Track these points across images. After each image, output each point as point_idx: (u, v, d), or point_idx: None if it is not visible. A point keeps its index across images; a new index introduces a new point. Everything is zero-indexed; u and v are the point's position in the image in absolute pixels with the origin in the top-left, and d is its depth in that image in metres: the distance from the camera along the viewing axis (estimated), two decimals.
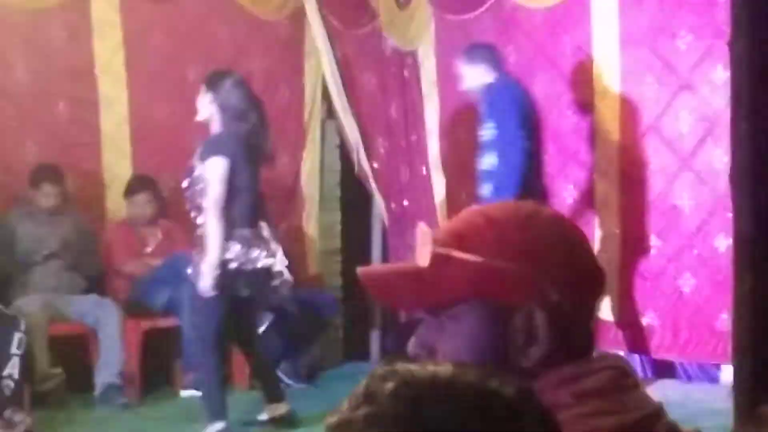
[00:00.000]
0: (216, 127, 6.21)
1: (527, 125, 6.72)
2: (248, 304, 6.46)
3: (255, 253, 6.15)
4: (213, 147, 6.13)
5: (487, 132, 6.72)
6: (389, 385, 1.12)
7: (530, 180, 6.66)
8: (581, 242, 1.58)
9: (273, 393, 6.59)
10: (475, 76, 6.91)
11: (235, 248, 6.09)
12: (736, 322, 3.20)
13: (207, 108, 6.23)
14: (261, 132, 6.25)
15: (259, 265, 6.17)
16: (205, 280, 6.04)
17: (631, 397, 1.50)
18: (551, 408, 1.32)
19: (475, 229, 1.55)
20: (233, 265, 6.08)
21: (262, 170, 6.48)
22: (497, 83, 6.84)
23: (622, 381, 1.51)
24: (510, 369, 1.46)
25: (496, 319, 1.51)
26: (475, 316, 1.51)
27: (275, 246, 6.33)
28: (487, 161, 6.72)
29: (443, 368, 1.16)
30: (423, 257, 1.55)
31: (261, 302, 6.69)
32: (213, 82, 6.27)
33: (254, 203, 6.29)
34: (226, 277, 6.06)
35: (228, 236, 6.06)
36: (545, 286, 1.49)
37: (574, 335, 1.53)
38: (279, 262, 6.32)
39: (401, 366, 1.16)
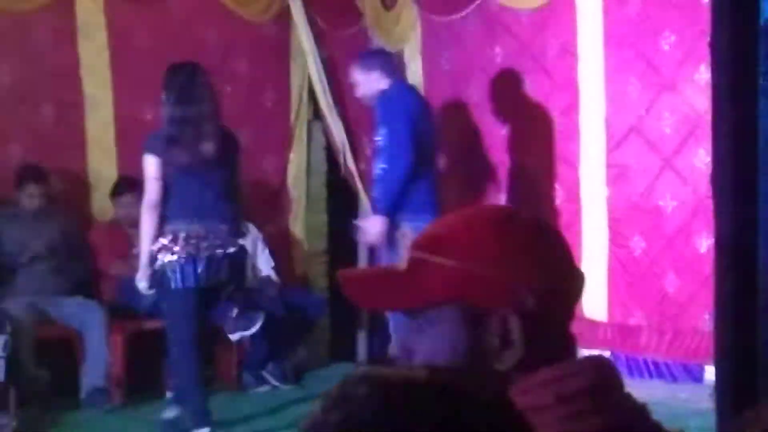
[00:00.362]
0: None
1: (419, 133, 6.74)
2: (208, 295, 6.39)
3: (203, 246, 6.08)
4: (146, 144, 6.20)
5: (379, 139, 6.75)
6: (363, 390, 1.12)
7: (418, 187, 6.71)
8: (559, 246, 1.58)
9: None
10: (370, 83, 6.93)
11: (180, 243, 6.06)
12: (718, 323, 3.20)
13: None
14: (209, 131, 6.17)
15: (208, 255, 6.10)
16: (138, 277, 6.12)
17: (614, 398, 1.50)
18: (533, 410, 1.32)
19: (452, 234, 1.56)
20: (180, 260, 6.05)
21: (231, 169, 6.38)
22: (390, 90, 6.85)
23: (606, 382, 1.51)
24: (485, 372, 1.46)
25: (471, 323, 1.51)
26: (451, 319, 1.52)
27: (239, 242, 6.28)
28: (379, 166, 6.79)
29: (417, 373, 1.16)
30: (403, 261, 1.57)
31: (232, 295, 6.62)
32: (167, 75, 6.30)
33: (208, 200, 6.15)
34: (173, 272, 6.05)
35: (171, 232, 6.06)
36: (520, 290, 1.49)
37: (552, 338, 1.54)
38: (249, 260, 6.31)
39: (375, 370, 1.16)
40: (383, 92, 6.83)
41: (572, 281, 1.57)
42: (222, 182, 6.24)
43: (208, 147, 6.14)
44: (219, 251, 6.12)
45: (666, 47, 6.73)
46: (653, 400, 1.58)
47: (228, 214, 6.25)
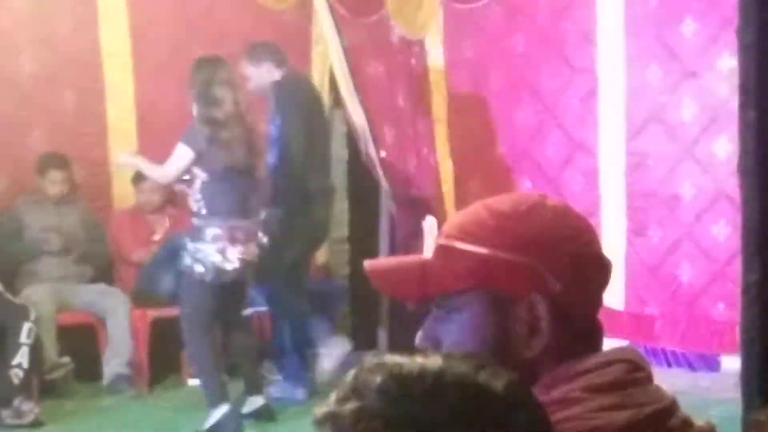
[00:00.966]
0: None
1: (311, 122, 6.87)
2: (234, 290, 6.40)
3: (230, 249, 6.11)
4: (186, 135, 6.22)
5: (273, 128, 6.84)
6: (377, 379, 1.12)
7: (310, 175, 6.91)
8: (585, 233, 1.57)
9: (252, 385, 6.57)
10: (261, 75, 6.99)
11: (210, 246, 6.10)
12: (744, 311, 3.18)
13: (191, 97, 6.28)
14: (239, 133, 6.21)
15: (236, 259, 6.13)
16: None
17: (643, 391, 1.49)
18: (561, 402, 1.32)
19: (478, 221, 1.55)
20: (209, 254, 6.09)
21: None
22: (282, 81, 6.95)
23: (635, 375, 1.50)
24: (514, 360, 1.46)
25: (498, 309, 1.51)
26: (478, 306, 1.51)
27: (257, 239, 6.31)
28: (271, 157, 6.88)
29: (432, 361, 1.16)
30: (429, 249, 1.57)
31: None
32: (192, 70, 6.30)
33: (238, 199, 6.20)
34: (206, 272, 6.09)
35: (202, 227, 6.10)
36: (546, 276, 1.48)
37: (579, 325, 1.53)
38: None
39: (390, 359, 1.16)
40: (276, 83, 6.92)
41: (598, 268, 1.56)
42: (250, 181, 6.31)
43: (240, 150, 6.20)
44: (244, 250, 6.15)
45: (688, 35, 6.71)
46: (674, 389, 1.57)
47: (256, 212, 6.30)
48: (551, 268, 1.49)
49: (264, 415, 6.49)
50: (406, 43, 8.44)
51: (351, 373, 1.15)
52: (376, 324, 8.41)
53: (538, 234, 1.51)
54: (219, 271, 6.10)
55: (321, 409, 1.15)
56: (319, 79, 8.57)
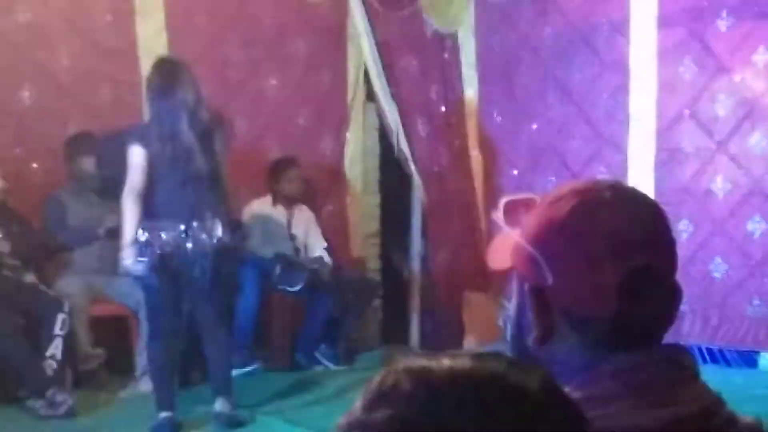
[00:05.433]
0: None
1: None
2: (194, 289, 6.23)
3: (174, 239, 6.03)
4: (129, 135, 6.16)
5: None
6: (406, 386, 1.09)
7: None
8: (611, 233, 1.48)
9: (222, 386, 6.39)
10: None
11: (156, 235, 6.03)
12: None
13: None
14: (199, 126, 6.12)
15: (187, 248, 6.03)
16: (125, 259, 6.07)
17: (687, 389, 1.48)
18: (599, 400, 1.31)
19: (530, 204, 1.59)
20: (156, 252, 6.02)
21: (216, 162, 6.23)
22: None
23: (679, 372, 1.49)
24: (526, 347, 1.51)
25: (521, 293, 1.54)
26: (515, 287, 1.57)
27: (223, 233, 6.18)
28: None
29: (461, 362, 1.12)
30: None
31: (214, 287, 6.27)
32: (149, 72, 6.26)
33: (185, 197, 6.07)
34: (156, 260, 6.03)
35: (148, 224, 6.03)
36: (542, 268, 1.48)
37: (592, 325, 1.49)
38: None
39: (416, 363, 1.13)
40: None
41: (616, 272, 1.46)
42: (203, 175, 6.16)
43: (188, 141, 6.10)
44: (194, 245, 6.04)
45: (723, 29, 6.68)
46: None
47: (211, 207, 6.16)
48: (551, 262, 1.48)
49: (227, 422, 6.28)
50: (438, 36, 8.44)
51: (376, 379, 1.12)
52: (407, 318, 8.43)
53: (547, 225, 1.51)
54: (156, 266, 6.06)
55: (346, 418, 1.11)
56: (354, 72, 8.60)
